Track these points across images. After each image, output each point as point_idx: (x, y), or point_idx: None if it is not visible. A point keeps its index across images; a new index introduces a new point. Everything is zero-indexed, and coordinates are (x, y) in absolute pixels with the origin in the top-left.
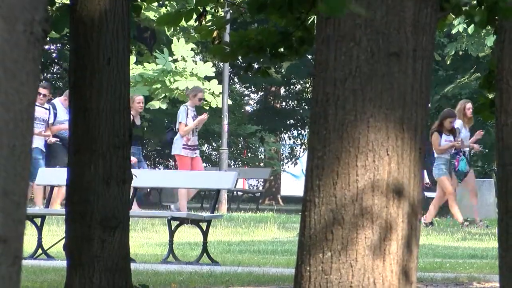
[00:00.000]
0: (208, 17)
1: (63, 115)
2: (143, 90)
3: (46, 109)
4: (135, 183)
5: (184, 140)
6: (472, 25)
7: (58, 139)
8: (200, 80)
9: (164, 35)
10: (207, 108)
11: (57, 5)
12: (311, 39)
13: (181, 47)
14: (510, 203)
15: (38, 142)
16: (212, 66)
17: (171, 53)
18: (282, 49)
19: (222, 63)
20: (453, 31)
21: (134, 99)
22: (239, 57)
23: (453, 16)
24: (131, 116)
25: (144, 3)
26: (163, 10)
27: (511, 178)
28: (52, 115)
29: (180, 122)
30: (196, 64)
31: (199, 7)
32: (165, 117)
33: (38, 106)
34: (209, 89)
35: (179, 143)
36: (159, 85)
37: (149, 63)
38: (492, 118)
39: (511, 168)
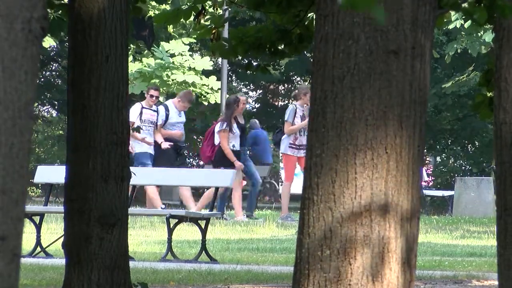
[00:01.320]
0: (207, 16)
1: (176, 117)
2: (142, 86)
3: (154, 111)
4: (133, 180)
5: (291, 139)
6: (469, 21)
7: (171, 143)
8: (198, 75)
9: (162, 33)
10: (206, 103)
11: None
12: (309, 36)
13: (176, 44)
14: (508, 201)
15: (146, 146)
16: (210, 60)
17: (165, 51)
18: (281, 46)
19: (220, 61)
20: (450, 27)
21: (239, 99)
22: (239, 56)
23: (452, 14)
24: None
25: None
26: (162, 7)
27: (509, 176)
28: (163, 117)
29: (285, 121)
30: (193, 59)
31: (197, 6)
32: None
33: (147, 108)
34: (207, 84)
35: (285, 142)
36: (157, 80)
37: (147, 58)
38: (491, 116)
39: (510, 166)
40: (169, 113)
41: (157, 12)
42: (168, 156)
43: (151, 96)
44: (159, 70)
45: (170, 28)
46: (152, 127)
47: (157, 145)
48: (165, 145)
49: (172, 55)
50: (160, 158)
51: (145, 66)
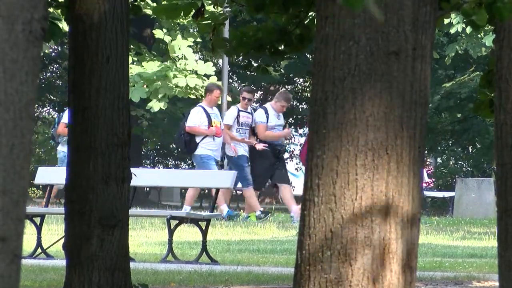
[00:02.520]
0: (207, 14)
1: (275, 120)
2: (141, 92)
3: (249, 113)
4: (134, 182)
5: None
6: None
7: (266, 145)
8: (199, 78)
9: (164, 34)
10: None
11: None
12: (310, 36)
13: (180, 45)
14: (509, 202)
15: (244, 149)
16: (212, 66)
17: (167, 53)
18: (281, 47)
19: (221, 62)
20: (452, 31)
21: None
22: (239, 56)
23: (453, 17)
24: None
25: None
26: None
27: (510, 177)
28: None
29: None
30: (197, 63)
31: (197, 2)
32: (165, 116)
33: (243, 111)
34: None
35: None
36: (159, 83)
37: (147, 62)
38: (492, 117)
39: (510, 167)
40: (269, 115)
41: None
42: (268, 159)
43: (244, 98)
44: (160, 71)
45: (161, 34)
46: (248, 130)
47: (252, 148)
48: (260, 146)
49: (177, 58)
50: (259, 161)
51: (146, 70)
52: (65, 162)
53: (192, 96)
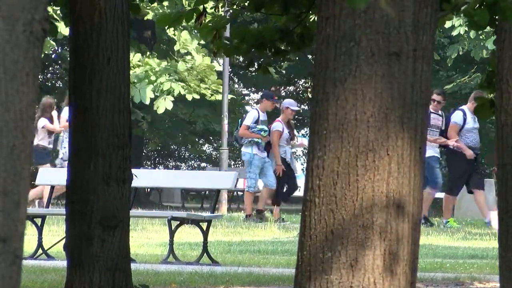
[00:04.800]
0: (208, 17)
1: (472, 122)
2: (149, 92)
3: (439, 115)
4: (135, 183)
5: None
6: (473, 30)
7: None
8: (209, 77)
9: (165, 35)
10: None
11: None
12: (311, 36)
13: (187, 41)
14: (510, 203)
15: (432, 150)
16: (212, 62)
17: (173, 50)
18: (283, 46)
19: (222, 62)
20: (454, 33)
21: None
22: (241, 55)
23: (455, 20)
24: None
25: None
26: (156, 5)
27: (510, 177)
28: (461, 121)
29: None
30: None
31: (199, 7)
32: (167, 117)
33: (433, 113)
34: (209, 88)
35: None
36: (163, 79)
37: (152, 58)
38: (491, 117)
39: (511, 167)
40: (466, 118)
41: (155, 12)
42: (466, 163)
43: (433, 100)
44: (167, 68)
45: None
46: (438, 132)
47: (449, 150)
48: (452, 142)
49: (186, 54)
50: (456, 164)
51: (151, 66)
52: (252, 163)
53: (196, 96)
